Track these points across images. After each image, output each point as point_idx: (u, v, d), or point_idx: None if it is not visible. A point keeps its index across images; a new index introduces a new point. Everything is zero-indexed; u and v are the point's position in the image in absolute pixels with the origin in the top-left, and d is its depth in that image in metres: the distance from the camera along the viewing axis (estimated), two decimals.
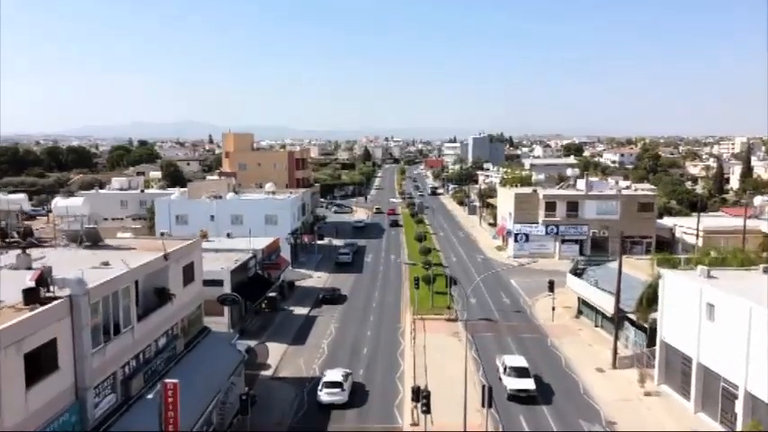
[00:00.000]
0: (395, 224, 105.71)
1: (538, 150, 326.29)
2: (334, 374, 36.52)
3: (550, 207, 75.79)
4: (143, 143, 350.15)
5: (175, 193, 72.77)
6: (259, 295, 48.66)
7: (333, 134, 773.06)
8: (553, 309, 51.21)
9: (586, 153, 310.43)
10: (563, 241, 75.66)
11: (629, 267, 54.15)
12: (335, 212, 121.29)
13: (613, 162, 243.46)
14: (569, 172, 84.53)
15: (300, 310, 53.71)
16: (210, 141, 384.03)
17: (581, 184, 79.72)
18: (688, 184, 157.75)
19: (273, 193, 76.27)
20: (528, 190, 79.58)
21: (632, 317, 41.30)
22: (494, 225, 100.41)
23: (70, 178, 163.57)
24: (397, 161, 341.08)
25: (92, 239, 35.47)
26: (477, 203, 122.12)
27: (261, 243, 55.50)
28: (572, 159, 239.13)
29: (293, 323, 50.02)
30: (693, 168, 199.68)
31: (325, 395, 34.97)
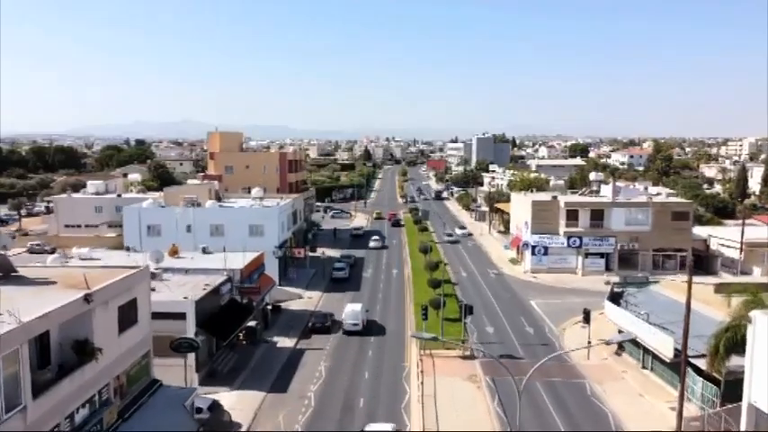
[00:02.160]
0: (396, 224, 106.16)
1: (542, 151, 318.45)
2: None
3: (572, 216, 67.16)
4: (140, 142, 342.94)
5: (148, 199, 64.16)
6: (234, 327, 40.08)
7: (333, 134, 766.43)
8: (589, 343, 42.55)
9: (592, 154, 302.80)
10: (587, 255, 67.01)
11: (675, 292, 45.83)
12: (333, 217, 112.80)
13: (622, 163, 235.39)
14: (593, 176, 75.96)
15: (285, 342, 45.12)
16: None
17: (606, 189, 71.09)
18: (703, 188, 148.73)
19: (261, 198, 67.73)
20: (546, 196, 70.97)
21: (697, 363, 32.67)
22: (504, 233, 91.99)
23: (54, 179, 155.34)
24: (398, 162, 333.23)
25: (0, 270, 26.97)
26: (485, 208, 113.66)
27: (241, 260, 46.94)
28: (579, 160, 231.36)
29: (275, 361, 41.44)
30: (708, 170, 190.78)
31: None
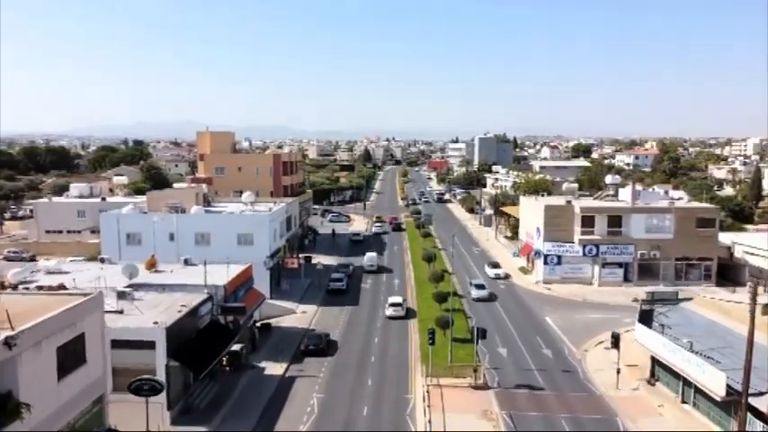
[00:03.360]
0: (398, 228, 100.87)
1: (545, 152, 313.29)
2: None
3: (588, 222, 62.10)
4: (139, 143, 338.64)
5: (129, 205, 59.15)
6: (214, 355, 35.09)
7: (334, 134, 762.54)
8: (618, 371, 37.58)
9: (594, 155, 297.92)
10: (604, 264, 61.99)
11: (712, 311, 40.87)
12: (331, 221, 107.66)
13: (627, 164, 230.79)
14: (609, 179, 70.49)
15: (274, 368, 40.12)
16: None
17: (624, 193, 66.09)
18: (714, 190, 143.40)
19: (252, 203, 62.74)
20: (559, 200, 65.91)
21: (756, 403, 27.73)
22: (511, 238, 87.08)
23: (43, 181, 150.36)
24: (398, 162, 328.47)
25: None
26: (489, 211, 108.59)
27: (225, 274, 42.05)
28: (583, 161, 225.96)
29: (261, 391, 36.46)
30: (718, 171, 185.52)
31: None
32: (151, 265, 44.86)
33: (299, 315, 52.06)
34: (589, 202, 65.85)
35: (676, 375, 34.84)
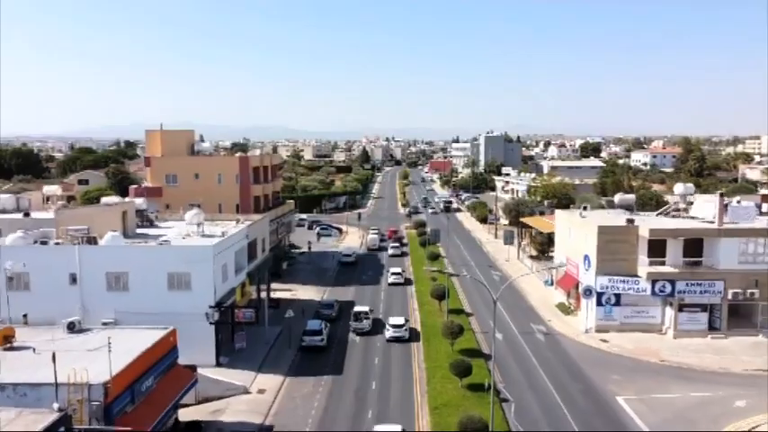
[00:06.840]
0: (398, 241, 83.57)
1: (552, 151, 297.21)
2: None
3: (658, 250, 45.52)
4: (129, 144, 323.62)
5: (17, 232, 42.34)
6: None
7: (333, 134, 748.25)
8: None
9: (603, 154, 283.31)
10: (681, 307, 45.29)
11: None
12: (319, 234, 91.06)
13: (644, 164, 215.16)
14: (680, 188, 53.39)
15: None
16: (202, 141, 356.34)
17: (701, 208, 49.40)
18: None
19: (199, 225, 45.98)
20: (618, 219, 49.02)
21: None
22: (537, 258, 70.51)
23: (1, 188, 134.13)
24: (398, 163, 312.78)
25: None
26: (504, 221, 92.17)
27: (108, 362, 25.40)
28: (594, 161, 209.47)
29: None
30: (750, 172, 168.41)
31: None
32: (4, 339, 28.27)
33: (254, 396, 35.31)
34: (657, 222, 48.96)
35: None
